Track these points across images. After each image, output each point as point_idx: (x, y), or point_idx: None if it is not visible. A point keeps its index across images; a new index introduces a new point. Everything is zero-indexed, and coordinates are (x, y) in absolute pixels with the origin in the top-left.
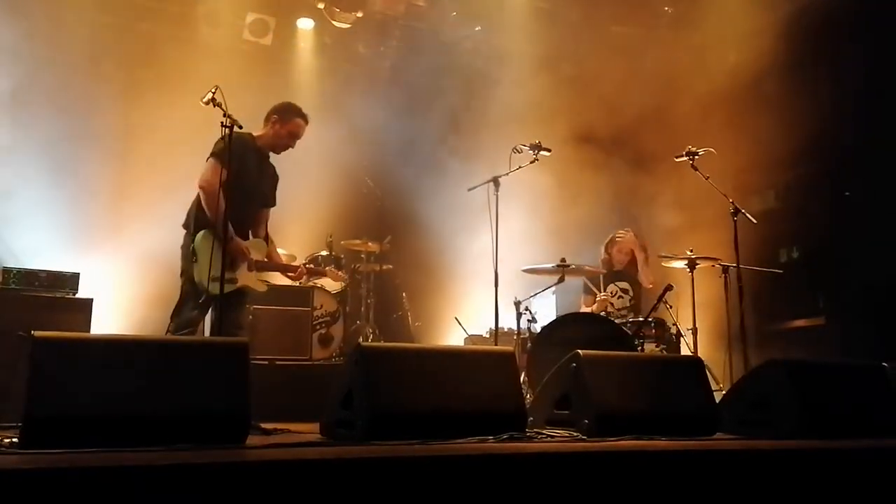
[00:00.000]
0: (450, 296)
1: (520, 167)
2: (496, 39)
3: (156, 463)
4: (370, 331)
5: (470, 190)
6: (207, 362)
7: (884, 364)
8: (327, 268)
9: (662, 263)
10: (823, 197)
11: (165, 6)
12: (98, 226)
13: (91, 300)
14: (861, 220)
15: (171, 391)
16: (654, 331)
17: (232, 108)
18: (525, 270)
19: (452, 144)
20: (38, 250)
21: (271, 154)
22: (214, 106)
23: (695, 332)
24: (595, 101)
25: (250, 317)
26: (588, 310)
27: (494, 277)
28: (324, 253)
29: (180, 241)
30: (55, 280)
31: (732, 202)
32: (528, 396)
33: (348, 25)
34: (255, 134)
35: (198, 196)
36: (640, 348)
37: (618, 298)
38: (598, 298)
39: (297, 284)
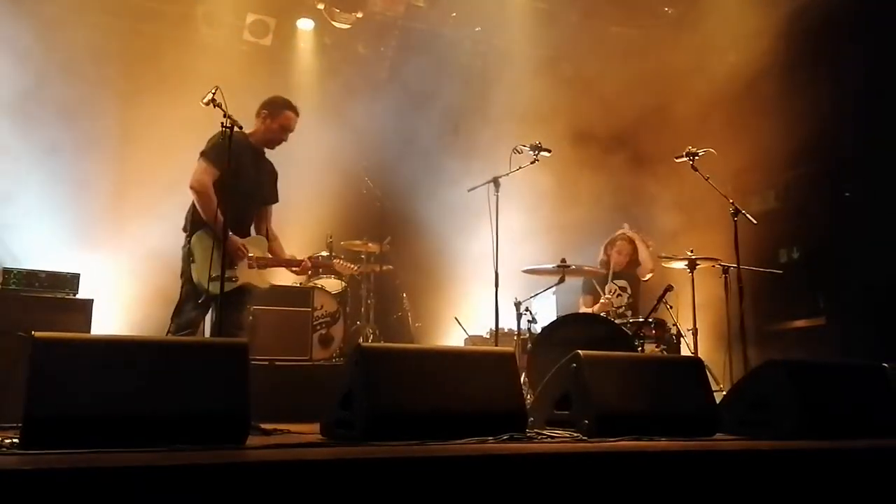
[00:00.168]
0: (450, 296)
1: (520, 167)
2: (496, 39)
3: (156, 463)
4: (370, 331)
5: (470, 190)
6: (207, 363)
7: (884, 364)
8: (335, 259)
9: (662, 264)
10: (823, 197)
11: (166, 7)
12: (98, 226)
13: (91, 301)
14: (861, 220)
15: (172, 392)
16: (654, 331)
17: (232, 108)
18: (525, 271)
19: (452, 145)
20: (39, 251)
21: (267, 151)
22: (215, 106)
23: (695, 332)
24: (595, 101)
25: (250, 317)
26: (587, 310)
27: (495, 278)
28: (324, 253)
29: (181, 241)
30: (55, 281)
31: (732, 202)
32: (529, 397)
33: (348, 26)
34: (247, 131)
35: None
36: (640, 349)
37: (616, 296)
38: (601, 301)
39: (299, 284)
